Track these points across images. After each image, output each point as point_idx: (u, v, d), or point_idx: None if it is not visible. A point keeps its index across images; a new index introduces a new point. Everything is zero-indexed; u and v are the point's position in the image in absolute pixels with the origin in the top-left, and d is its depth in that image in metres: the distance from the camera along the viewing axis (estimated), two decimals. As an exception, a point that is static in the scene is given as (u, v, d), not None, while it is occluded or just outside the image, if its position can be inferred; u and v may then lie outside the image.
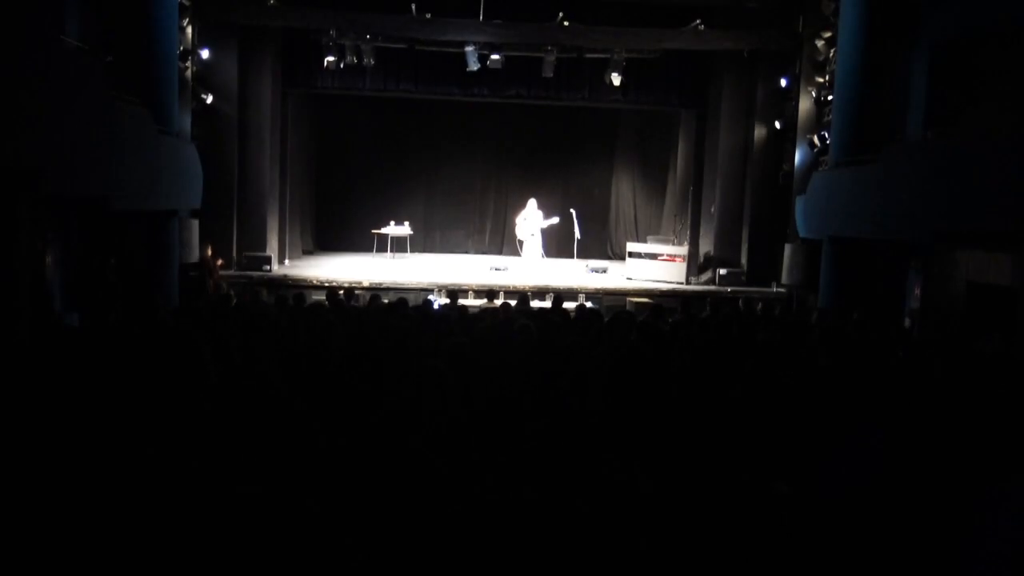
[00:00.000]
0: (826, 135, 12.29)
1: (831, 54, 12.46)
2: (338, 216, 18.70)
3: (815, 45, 12.91)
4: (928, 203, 8.85)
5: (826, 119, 12.61)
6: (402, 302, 7.62)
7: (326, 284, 12.74)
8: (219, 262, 12.39)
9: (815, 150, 12.90)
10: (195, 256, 11.58)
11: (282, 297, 8.56)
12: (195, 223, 11.61)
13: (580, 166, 19.69)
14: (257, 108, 14.19)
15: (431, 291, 12.75)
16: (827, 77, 12.76)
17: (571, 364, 4.26)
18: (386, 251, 16.63)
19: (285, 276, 13.58)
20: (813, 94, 13.11)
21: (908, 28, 10.75)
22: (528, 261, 15.06)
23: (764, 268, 14.20)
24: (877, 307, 10.28)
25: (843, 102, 11.17)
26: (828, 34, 12.57)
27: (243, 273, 13.39)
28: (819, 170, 12.33)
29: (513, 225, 15.86)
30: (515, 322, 5.53)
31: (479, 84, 15.10)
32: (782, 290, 13.41)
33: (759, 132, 14.47)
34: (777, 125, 14.14)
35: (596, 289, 13.69)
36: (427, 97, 16.05)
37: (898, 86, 10.86)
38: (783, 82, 13.87)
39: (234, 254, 13.74)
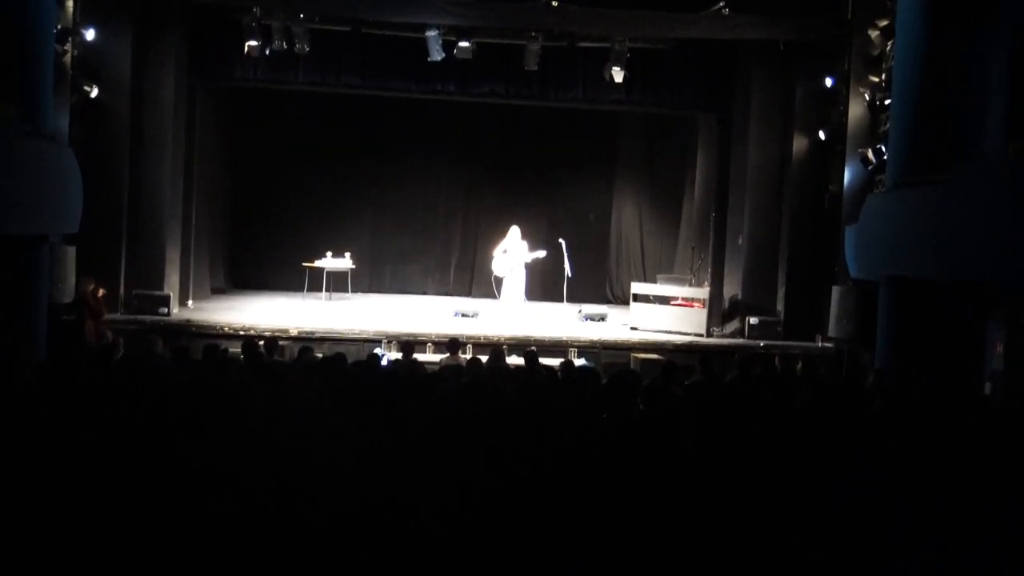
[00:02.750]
0: (882, 148, 12.46)
1: (888, 47, 12.69)
2: (259, 245, 18.64)
3: (868, 36, 13.15)
4: (1013, 234, 8.94)
5: (882, 128, 12.80)
6: (340, 357, 7.63)
7: (242, 332, 12.66)
8: (101, 293, 12.22)
9: (869, 167, 13.06)
10: (70, 294, 11.44)
11: (182, 348, 8.47)
12: (71, 252, 11.49)
13: (572, 184, 19.80)
14: (156, 105, 14.16)
15: (378, 343, 12.70)
16: (883, 76, 12.98)
17: (557, 439, 4.23)
18: (320, 291, 16.56)
19: (188, 321, 13.48)
20: (866, 97, 13.32)
21: (983, 13, 10.97)
22: (507, 304, 15.04)
23: (806, 317, 14.30)
24: (949, 368, 10.34)
25: (904, 107, 11.33)
26: (884, 22, 12.80)
27: (133, 317, 13.26)
28: (874, 192, 12.48)
29: (488, 259, 15.88)
30: (486, 384, 5.51)
31: (443, 79, 15.21)
32: (828, 345, 13.49)
33: (798, 144, 14.65)
34: (821, 135, 14.34)
35: (591, 342, 13.70)
36: (377, 94, 16.13)
37: (973, 86, 11.04)
38: (828, 81, 14.09)
39: (122, 292, 13.60)
